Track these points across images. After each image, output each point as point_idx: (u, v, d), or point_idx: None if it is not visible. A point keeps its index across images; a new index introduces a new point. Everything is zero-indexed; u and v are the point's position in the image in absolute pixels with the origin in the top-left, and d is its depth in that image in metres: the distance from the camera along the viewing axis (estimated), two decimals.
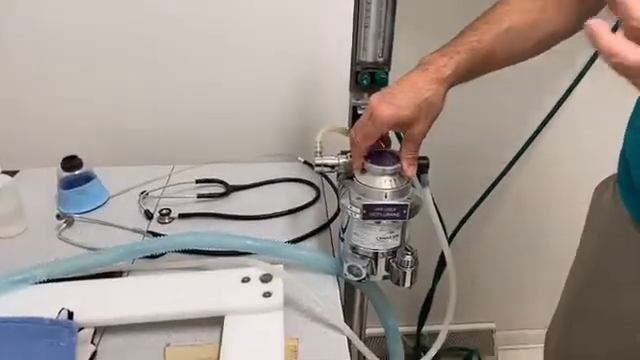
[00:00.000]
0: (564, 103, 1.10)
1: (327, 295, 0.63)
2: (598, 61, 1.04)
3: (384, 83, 0.65)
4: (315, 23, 0.96)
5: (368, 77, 0.65)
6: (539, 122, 1.12)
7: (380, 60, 0.65)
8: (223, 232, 0.65)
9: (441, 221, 0.62)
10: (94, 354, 0.54)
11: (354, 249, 0.61)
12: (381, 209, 0.57)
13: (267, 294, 0.58)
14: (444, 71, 0.55)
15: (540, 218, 1.26)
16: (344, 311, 0.62)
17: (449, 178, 1.10)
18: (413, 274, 0.60)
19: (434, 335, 1.39)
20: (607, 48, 0.35)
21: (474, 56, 0.55)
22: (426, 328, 1.31)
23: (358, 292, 0.75)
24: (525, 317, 1.41)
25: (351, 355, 0.56)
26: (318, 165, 0.63)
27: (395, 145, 0.65)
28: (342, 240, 0.63)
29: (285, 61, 0.99)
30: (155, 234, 0.74)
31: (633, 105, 0.61)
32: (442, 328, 0.65)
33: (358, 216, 0.57)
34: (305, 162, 0.92)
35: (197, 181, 0.86)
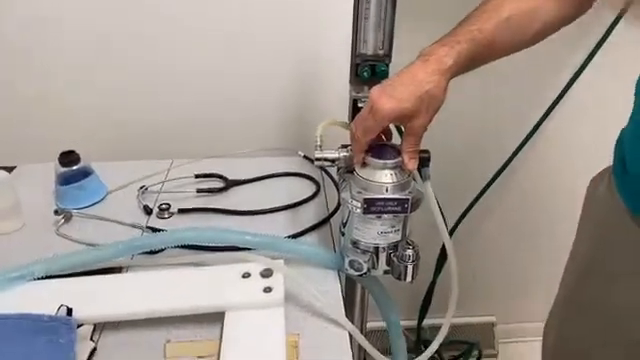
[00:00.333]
0: (564, 96, 1.09)
1: (328, 290, 0.62)
2: (597, 54, 1.03)
3: (385, 75, 0.65)
4: (314, 16, 0.96)
5: (369, 69, 0.64)
6: (539, 115, 1.12)
7: (380, 52, 0.64)
8: (223, 227, 0.65)
9: (442, 215, 0.62)
10: (93, 351, 0.54)
11: (355, 244, 0.61)
12: (382, 203, 0.56)
13: (268, 289, 0.57)
14: (445, 61, 0.54)
15: (541, 211, 1.26)
16: (345, 306, 0.62)
17: (449, 171, 1.09)
18: (415, 268, 0.60)
19: (435, 328, 1.39)
20: None
21: (475, 45, 0.55)
22: (426, 321, 1.31)
23: (359, 286, 0.74)
24: (526, 310, 1.41)
25: (352, 350, 0.56)
26: (318, 159, 0.62)
27: (396, 138, 0.64)
28: (343, 234, 0.63)
29: (284, 54, 0.98)
30: (154, 229, 0.73)
31: (632, 99, 0.60)
32: (444, 322, 0.64)
33: (359, 210, 0.57)
34: (305, 156, 0.91)
35: (196, 176, 0.86)
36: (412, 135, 0.57)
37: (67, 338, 0.52)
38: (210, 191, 0.83)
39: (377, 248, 0.60)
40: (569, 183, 1.19)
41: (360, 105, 0.65)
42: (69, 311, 0.54)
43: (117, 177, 0.85)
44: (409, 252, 0.59)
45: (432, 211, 0.61)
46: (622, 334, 0.64)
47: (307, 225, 0.75)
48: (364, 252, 0.60)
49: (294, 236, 0.72)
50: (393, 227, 0.59)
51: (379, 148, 0.59)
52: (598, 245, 0.68)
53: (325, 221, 0.76)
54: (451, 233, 1.17)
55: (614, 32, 1.01)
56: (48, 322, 0.53)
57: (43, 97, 0.98)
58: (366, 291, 0.75)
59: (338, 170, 0.64)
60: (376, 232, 0.59)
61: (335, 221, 0.76)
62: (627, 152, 0.61)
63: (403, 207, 0.56)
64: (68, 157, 0.78)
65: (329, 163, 0.62)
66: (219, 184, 0.85)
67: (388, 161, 0.57)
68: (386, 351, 0.63)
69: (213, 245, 0.66)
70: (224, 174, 0.86)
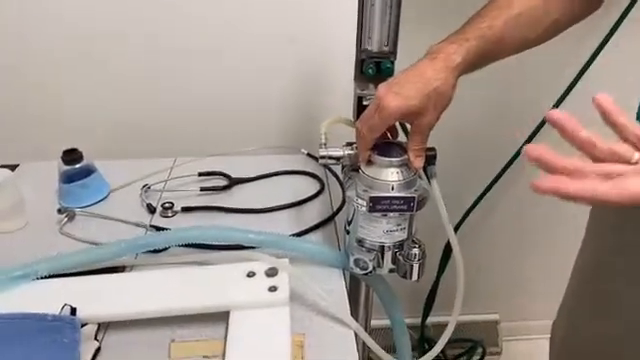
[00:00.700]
0: (570, 93, 1.08)
1: (333, 289, 0.62)
2: (605, 49, 1.02)
3: (390, 73, 0.64)
4: (318, 11, 0.95)
5: (374, 66, 0.63)
6: (545, 111, 1.11)
7: (386, 49, 0.63)
8: (227, 226, 0.64)
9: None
10: (98, 350, 0.53)
11: (360, 242, 0.60)
12: (388, 201, 0.56)
13: (273, 288, 0.57)
14: (454, 59, 0.53)
15: (545, 209, 1.25)
16: (349, 304, 0.61)
17: (453, 169, 1.08)
18: (421, 267, 0.59)
19: (438, 326, 1.39)
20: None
21: (484, 42, 0.54)
22: (430, 319, 1.31)
23: (363, 285, 0.74)
24: (529, 308, 1.41)
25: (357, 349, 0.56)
26: (323, 157, 0.62)
27: (401, 136, 0.64)
28: (348, 233, 0.62)
29: (288, 51, 0.98)
30: (158, 228, 0.73)
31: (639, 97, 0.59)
32: (450, 319, 0.64)
33: (364, 209, 0.56)
34: (308, 154, 0.91)
35: (200, 174, 0.85)
36: (419, 133, 0.56)
37: (71, 338, 0.52)
38: (213, 189, 0.82)
39: (383, 247, 0.60)
40: None
41: (365, 103, 0.64)
42: (73, 310, 0.54)
43: (120, 175, 0.84)
44: (415, 251, 0.59)
45: (439, 209, 0.60)
46: (634, 333, 0.64)
47: (311, 223, 0.74)
48: (369, 251, 0.60)
49: (298, 234, 0.72)
50: (399, 225, 0.58)
51: (385, 146, 0.58)
52: (609, 244, 0.68)
53: (329, 219, 0.76)
54: (454, 231, 1.16)
55: (618, 31, 1.00)
56: (52, 321, 0.53)
57: (46, 95, 0.98)
58: (370, 289, 0.74)
59: (343, 168, 0.63)
60: (382, 230, 0.58)
61: (339, 219, 0.75)
62: None
63: (409, 205, 0.56)
64: (71, 155, 0.77)
65: (334, 161, 0.62)
66: (222, 182, 0.84)
67: (394, 159, 0.57)
68: (389, 349, 0.63)
69: (217, 244, 0.66)
70: (227, 172, 0.86)
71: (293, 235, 0.70)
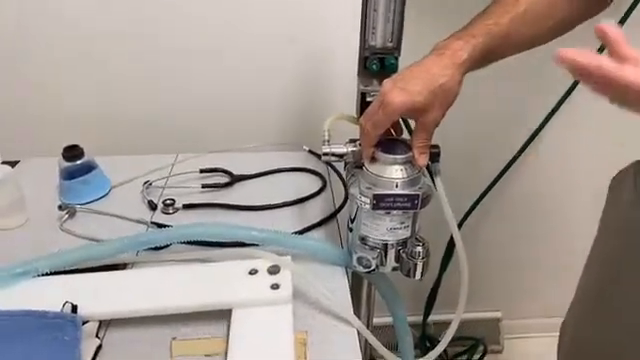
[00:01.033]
0: (569, 97, 1.08)
1: (336, 287, 0.62)
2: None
3: (394, 69, 0.63)
4: (318, 11, 0.94)
5: (377, 62, 0.63)
6: (549, 109, 1.10)
7: (390, 45, 0.63)
8: (229, 223, 0.64)
9: None
10: (99, 348, 0.53)
11: (363, 240, 0.60)
12: (392, 199, 0.55)
13: (275, 286, 0.57)
14: (460, 55, 0.53)
15: (547, 207, 1.25)
16: (352, 302, 0.61)
17: (457, 167, 1.08)
18: (424, 265, 0.59)
19: (439, 324, 1.38)
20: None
21: (491, 39, 0.54)
22: (431, 317, 1.31)
23: (365, 282, 0.73)
24: (531, 306, 1.41)
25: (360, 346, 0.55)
26: (326, 154, 0.61)
27: (404, 133, 0.63)
28: (351, 231, 0.62)
29: (290, 47, 0.97)
30: (159, 225, 0.72)
31: None
32: (454, 317, 0.63)
33: (368, 206, 0.56)
34: (310, 151, 0.90)
35: (201, 170, 0.85)
36: (423, 130, 0.55)
37: (72, 335, 0.51)
38: (215, 186, 0.82)
39: (386, 244, 0.59)
40: (577, 179, 1.18)
41: (369, 99, 0.63)
42: (74, 308, 0.53)
43: (121, 172, 0.84)
44: (419, 249, 0.58)
45: (443, 207, 0.59)
46: None
47: (313, 221, 0.74)
48: (373, 248, 0.59)
49: (300, 232, 0.71)
50: (402, 223, 0.58)
51: (389, 143, 0.58)
52: (628, 246, 0.66)
53: (332, 217, 0.75)
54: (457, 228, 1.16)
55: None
56: (53, 319, 0.52)
57: (46, 91, 0.98)
58: (372, 287, 0.74)
59: (346, 165, 0.63)
60: (385, 228, 0.58)
61: (342, 217, 0.75)
62: None
63: (413, 203, 0.55)
64: (72, 151, 0.77)
65: (337, 158, 0.61)
66: (224, 179, 0.84)
67: (398, 156, 0.56)
68: (391, 346, 0.62)
69: (219, 241, 0.65)
70: (229, 169, 0.85)
71: (295, 232, 0.70)
